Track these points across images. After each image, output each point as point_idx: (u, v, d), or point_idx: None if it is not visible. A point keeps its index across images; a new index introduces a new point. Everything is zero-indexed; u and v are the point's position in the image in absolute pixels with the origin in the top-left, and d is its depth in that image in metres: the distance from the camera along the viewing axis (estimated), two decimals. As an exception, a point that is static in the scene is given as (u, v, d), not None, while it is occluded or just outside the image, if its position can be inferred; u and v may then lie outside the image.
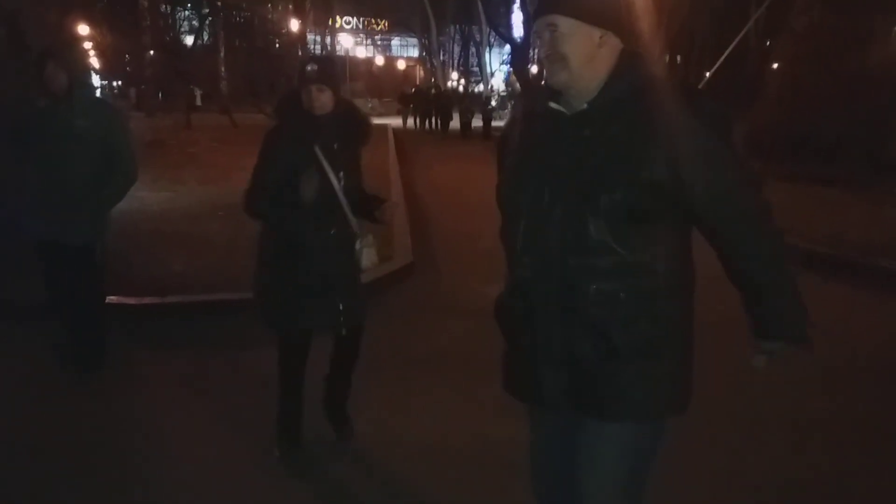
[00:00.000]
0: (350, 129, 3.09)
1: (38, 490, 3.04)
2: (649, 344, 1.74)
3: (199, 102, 27.76)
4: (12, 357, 4.37)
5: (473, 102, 26.43)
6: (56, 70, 3.86)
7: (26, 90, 4.31)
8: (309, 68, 2.91)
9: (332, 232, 3.05)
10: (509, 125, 1.98)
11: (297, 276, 3.03)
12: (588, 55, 1.71)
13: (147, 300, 5.16)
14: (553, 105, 1.77)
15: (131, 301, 5.10)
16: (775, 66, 12.69)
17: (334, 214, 3.04)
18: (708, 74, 13.83)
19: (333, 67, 3.10)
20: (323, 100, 2.91)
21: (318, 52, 39.50)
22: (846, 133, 10.32)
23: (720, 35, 14.39)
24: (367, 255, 3.13)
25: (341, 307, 3.10)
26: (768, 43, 15.90)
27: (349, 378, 3.33)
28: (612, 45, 1.74)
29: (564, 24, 1.69)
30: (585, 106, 1.75)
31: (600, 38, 1.71)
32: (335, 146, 3.01)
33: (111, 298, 4.69)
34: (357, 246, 3.09)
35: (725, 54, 11.65)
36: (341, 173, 3.01)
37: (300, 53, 28.31)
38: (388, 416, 3.37)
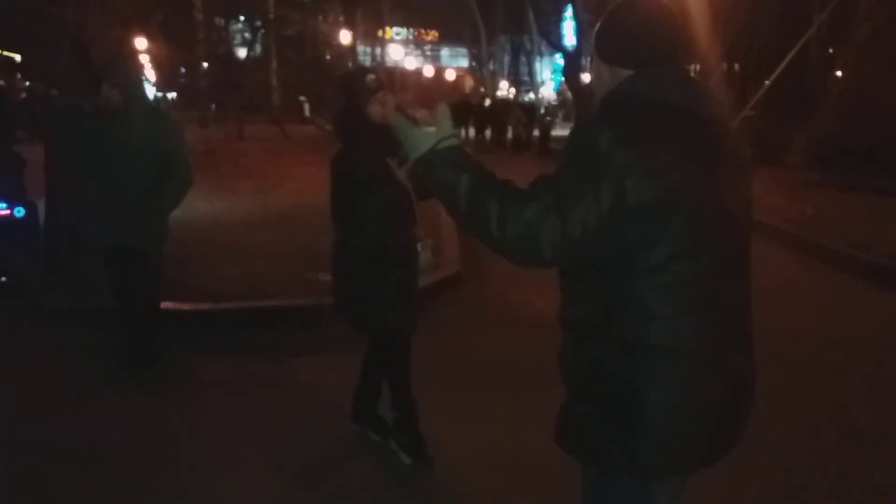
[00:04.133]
0: None
1: (81, 485, 3.12)
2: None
3: (307, 114, 27.74)
4: (68, 359, 4.49)
5: (527, 114, 24.00)
6: (110, 89, 4.01)
7: (89, 102, 4.48)
8: (369, 78, 2.97)
9: (413, 236, 3.18)
10: None
11: (387, 280, 3.10)
12: None
13: (201, 306, 5.24)
14: None
15: (186, 307, 5.18)
16: (838, 74, 12.30)
17: (414, 219, 3.15)
18: (767, 83, 13.48)
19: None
20: (392, 105, 2.97)
21: (368, 63, 39.94)
22: (912, 143, 9.94)
23: (779, 43, 14.01)
24: (426, 257, 3.27)
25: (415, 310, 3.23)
26: (830, 51, 15.44)
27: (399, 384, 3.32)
28: None
29: None
30: None
31: None
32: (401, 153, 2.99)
33: (167, 304, 4.78)
34: (419, 248, 3.21)
35: (785, 62, 11.34)
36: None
37: (350, 65, 28.61)
38: (434, 425, 3.34)
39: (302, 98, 28.94)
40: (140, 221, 4.11)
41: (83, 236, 4.35)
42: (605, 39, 1.74)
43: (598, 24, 1.78)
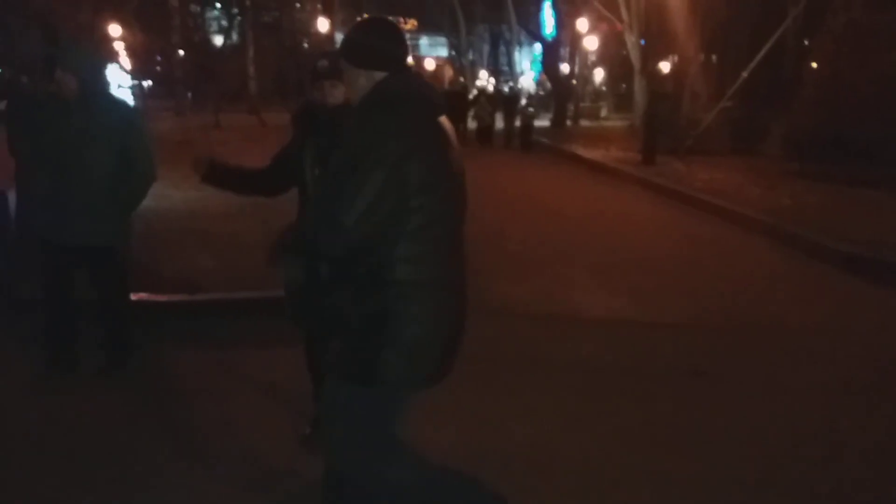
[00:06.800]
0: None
1: (46, 476, 3.07)
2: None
3: None
4: (39, 351, 4.37)
5: (491, 103, 21.90)
6: (64, 74, 3.74)
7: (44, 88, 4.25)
8: (320, 65, 3.02)
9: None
10: None
11: None
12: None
13: (175, 297, 5.16)
14: None
15: (160, 298, 5.10)
16: (814, 65, 12.41)
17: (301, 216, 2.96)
18: (745, 74, 13.55)
19: None
20: (336, 94, 3.00)
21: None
22: (887, 133, 10.04)
23: (757, 35, 14.07)
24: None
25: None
26: (806, 42, 15.56)
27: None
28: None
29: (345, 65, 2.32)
30: None
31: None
32: (326, 139, 2.92)
33: (140, 295, 4.69)
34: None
35: (762, 54, 11.42)
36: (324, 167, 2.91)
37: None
38: (411, 417, 3.32)
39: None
40: (102, 217, 3.88)
41: (33, 229, 4.04)
42: (359, 50, 2.21)
43: (349, 38, 2.27)
